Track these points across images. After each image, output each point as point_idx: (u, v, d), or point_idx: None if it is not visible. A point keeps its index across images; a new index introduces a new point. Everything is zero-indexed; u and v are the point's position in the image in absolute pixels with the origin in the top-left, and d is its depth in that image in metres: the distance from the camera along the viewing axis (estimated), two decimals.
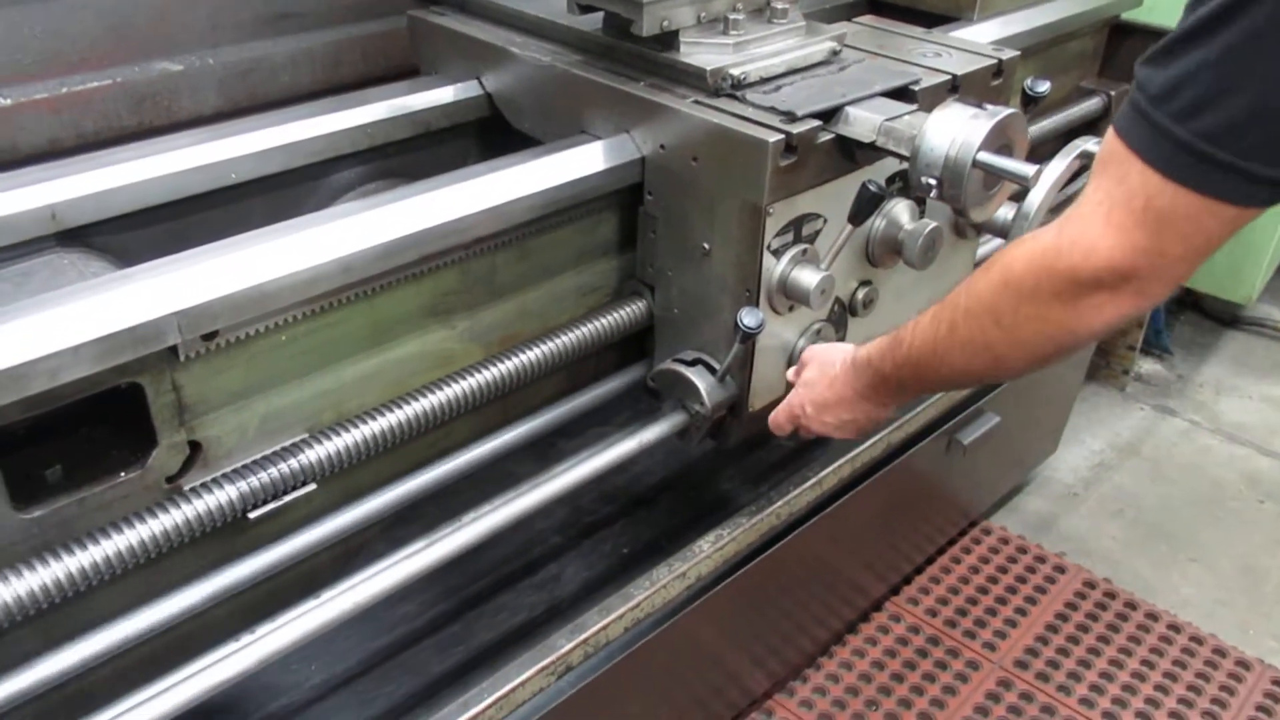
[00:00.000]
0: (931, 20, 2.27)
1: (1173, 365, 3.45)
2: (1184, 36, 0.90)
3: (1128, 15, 2.68)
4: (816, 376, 1.46)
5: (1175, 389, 3.33)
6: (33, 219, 1.33)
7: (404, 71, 2.06)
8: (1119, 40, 2.73)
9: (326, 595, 1.32)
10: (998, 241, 1.62)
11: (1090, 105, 2.61)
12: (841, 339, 1.65)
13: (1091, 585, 2.47)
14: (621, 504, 1.94)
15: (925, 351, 1.24)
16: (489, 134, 1.80)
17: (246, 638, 1.25)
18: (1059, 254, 1.01)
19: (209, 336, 1.16)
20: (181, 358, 1.15)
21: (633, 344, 1.71)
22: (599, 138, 1.54)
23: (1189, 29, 0.90)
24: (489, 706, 1.41)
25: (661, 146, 1.50)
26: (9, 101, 1.76)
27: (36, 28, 1.77)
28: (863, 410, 1.43)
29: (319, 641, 1.30)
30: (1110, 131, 0.98)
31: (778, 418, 1.54)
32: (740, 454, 1.95)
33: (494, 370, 1.46)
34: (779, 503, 1.71)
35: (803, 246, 1.48)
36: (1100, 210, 0.97)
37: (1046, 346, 1.10)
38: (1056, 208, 1.41)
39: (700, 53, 1.53)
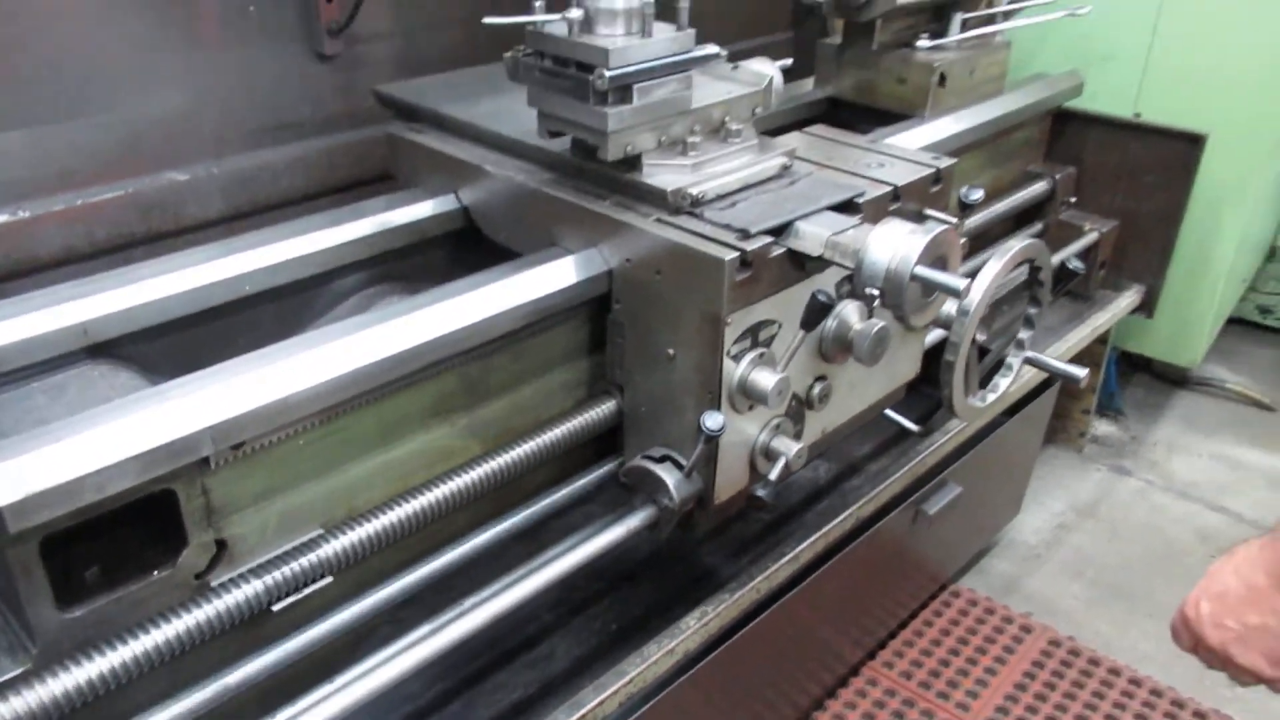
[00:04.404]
0: (887, 118, 2.46)
1: (1127, 426, 3.62)
2: None
3: (1069, 104, 2.89)
4: (1220, 566, 1.18)
5: (1130, 449, 3.49)
6: (66, 335, 1.44)
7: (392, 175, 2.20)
8: (1061, 127, 2.93)
9: (341, 680, 1.41)
10: (940, 332, 1.77)
11: (1037, 188, 2.79)
12: (799, 432, 1.73)
13: (1056, 643, 2.59)
14: (608, 580, 2.01)
15: None
16: (466, 243, 1.91)
17: None
18: None
19: (237, 446, 1.27)
20: (212, 466, 1.26)
21: (607, 438, 1.79)
22: (571, 251, 1.64)
23: None
24: None
25: (627, 260, 1.60)
26: (28, 214, 1.88)
27: (56, 145, 1.91)
28: (1278, 613, 1.10)
29: None
30: None
31: (1174, 623, 1.26)
32: (719, 527, 2.06)
33: (487, 466, 1.57)
34: (759, 578, 1.82)
35: (760, 350, 1.58)
36: None
37: None
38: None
39: (661, 173, 1.63)
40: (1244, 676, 1.17)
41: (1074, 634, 2.64)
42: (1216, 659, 1.19)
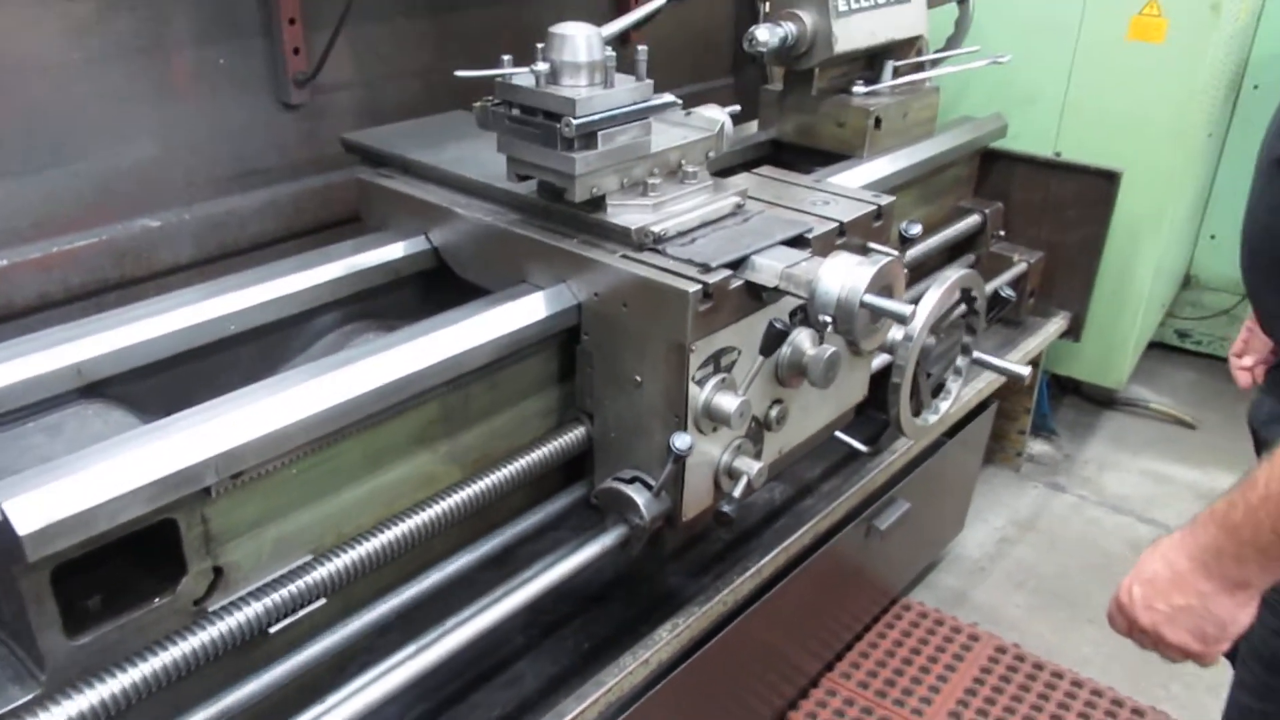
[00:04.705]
0: (827, 158, 2.61)
1: (1060, 445, 3.80)
2: None
3: (995, 145, 3.08)
4: (1148, 554, 1.28)
5: (1063, 467, 3.67)
6: (60, 376, 1.49)
7: (356, 216, 2.28)
8: (989, 165, 3.12)
9: (332, 700, 1.47)
10: (885, 357, 1.92)
11: (969, 222, 2.96)
12: (758, 452, 1.84)
13: (1002, 650, 2.73)
14: (577, 602, 2.09)
15: None
16: (435, 282, 2.00)
17: None
18: None
19: (236, 475, 1.34)
20: (213, 495, 1.33)
21: (574, 465, 1.87)
22: (540, 287, 1.74)
23: None
24: None
25: (595, 294, 1.70)
26: (5, 262, 1.93)
27: (33, 194, 1.96)
28: (1201, 593, 1.18)
29: None
30: None
31: (1110, 610, 1.35)
32: (682, 549, 2.15)
33: (468, 491, 1.64)
34: (725, 591, 1.92)
35: (722, 375, 1.68)
36: None
37: None
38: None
39: (625, 213, 1.73)
40: (1174, 654, 1.26)
41: (1018, 641, 2.78)
42: (1149, 639, 1.27)
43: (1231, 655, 1.53)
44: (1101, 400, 4.04)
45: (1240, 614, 1.18)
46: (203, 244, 2.22)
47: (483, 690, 1.89)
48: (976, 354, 1.74)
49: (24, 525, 1.12)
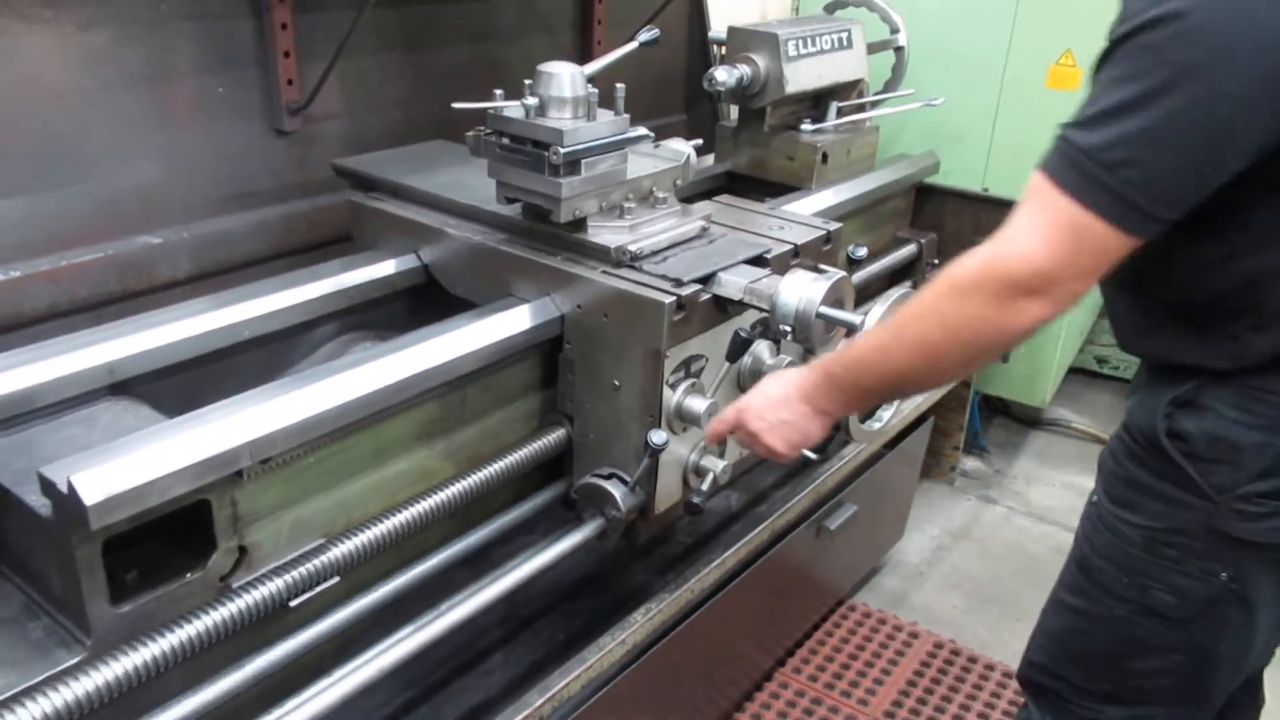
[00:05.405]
0: (778, 189, 2.83)
1: (990, 461, 4.06)
2: (1112, 110, 1.22)
3: (928, 180, 3.34)
4: (769, 381, 1.64)
5: (994, 481, 3.93)
6: (94, 374, 1.63)
7: (341, 238, 2.44)
8: (924, 199, 3.38)
9: (340, 673, 1.61)
10: None
11: (906, 251, 3.20)
12: (722, 453, 2.02)
13: (940, 646, 2.94)
14: (550, 599, 2.24)
15: (873, 351, 1.45)
16: (423, 296, 2.16)
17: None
18: (999, 260, 1.29)
19: (265, 460, 1.48)
20: (244, 478, 1.47)
21: (551, 467, 2.03)
22: (526, 300, 1.91)
23: (1116, 106, 1.22)
24: None
25: (578, 306, 1.86)
26: (19, 274, 2.04)
27: (45, 211, 2.08)
28: (800, 413, 1.56)
29: None
30: (1039, 173, 1.30)
31: (725, 416, 1.69)
32: (647, 551, 2.32)
33: (461, 485, 1.79)
34: (692, 580, 2.09)
35: (692, 380, 1.87)
36: (1034, 229, 1.27)
37: (980, 344, 1.34)
38: None
39: (604, 233, 1.90)
40: (764, 452, 1.65)
41: (955, 637, 2.99)
42: (748, 438, 1.65)
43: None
44: (1028, 420, 4.32)
45: (819, 431, 1.60)
46: (199, 261, 2.34)
47: (467, 676, 2.02)
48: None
49: (90, 496, 1.26)
